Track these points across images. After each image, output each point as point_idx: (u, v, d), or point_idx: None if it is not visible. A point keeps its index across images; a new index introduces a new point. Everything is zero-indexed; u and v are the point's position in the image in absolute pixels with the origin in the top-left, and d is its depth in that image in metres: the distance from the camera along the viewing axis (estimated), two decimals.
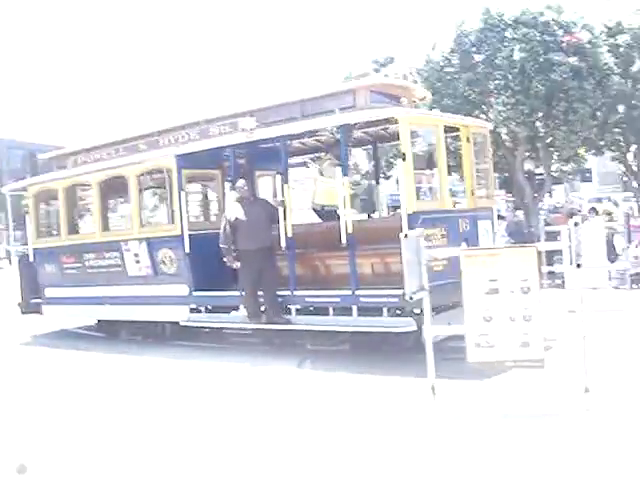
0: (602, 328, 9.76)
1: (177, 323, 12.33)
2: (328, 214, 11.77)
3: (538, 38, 24.41)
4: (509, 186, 27.79)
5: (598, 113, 24.86)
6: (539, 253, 7.28)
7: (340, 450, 6.48)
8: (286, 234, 10.54)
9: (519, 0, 26.33)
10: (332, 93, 10.94)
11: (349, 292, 10.02)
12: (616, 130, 26.78)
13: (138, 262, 12.36)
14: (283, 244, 10.55)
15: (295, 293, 10.58)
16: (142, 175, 12.38)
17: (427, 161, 10.83)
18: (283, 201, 10.63)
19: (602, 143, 27.13)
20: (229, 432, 7.26)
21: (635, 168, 28.98)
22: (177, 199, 11.66)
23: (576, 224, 7.27)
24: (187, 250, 11.61)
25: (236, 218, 10.62)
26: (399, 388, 8.40)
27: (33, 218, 14.29)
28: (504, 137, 23.52)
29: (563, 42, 24.83)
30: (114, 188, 13.10)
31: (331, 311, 10.38)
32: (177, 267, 11.87)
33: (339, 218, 11.96)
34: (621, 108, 26.69)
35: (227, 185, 11.68)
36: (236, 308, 11.82)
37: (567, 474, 5.50)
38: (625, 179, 34.07)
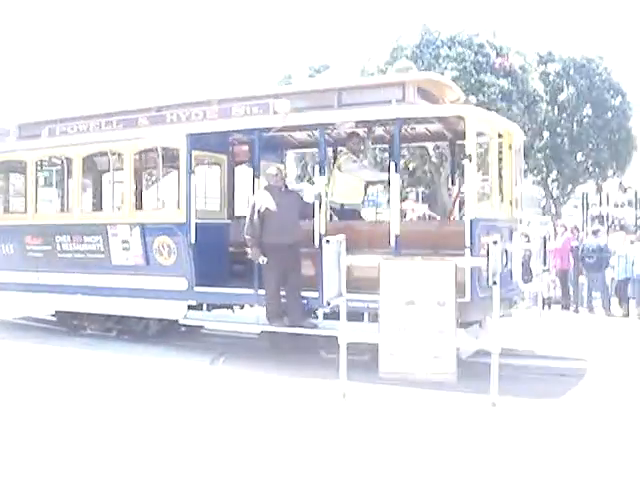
0: (514, 345, 10.24)
1: (163, 320, 11.21)
2: (347, 213, 11.00)
3: (472, 58, 24.76)
4: (433, 201, 27.88)
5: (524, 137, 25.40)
6: (457, 268, 7.45)
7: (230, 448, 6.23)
8: (320, 230, 9.66)
9: (456, 20, 26.64)
10: (377, 84, 10.23)
11: None
12: (539, 155, 27.52)
13: (127, 249, 11.03)
14: (317, 241, 9.66)
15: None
16: (141, 153, 11.09)
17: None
18: (319, 194, 9.75)
19: (525, 167, 27.73)
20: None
21: (554, 194, 29.85)
22: (185, 183, 10.48)
23: (495, 242, 7.19)
24: (192, 240, 10.46)
25: (266, 208, 9.61)
26: (318, 391, 8.16)
27: None
28: (431, 152, 23.47)
29: (495, 64, 25.25)
30: (102, 165, 11.70)
31: (366, 317, 9.60)
32: (176, 258, 10.64)
33: (360, 217, 11.26)
34: (546, 134, 27.49)
35: (249, 171, 10.57)
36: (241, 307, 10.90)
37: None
38: (544, 204, 35.23)
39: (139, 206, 11.32)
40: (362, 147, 10.82)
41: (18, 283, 12.27)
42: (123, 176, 11.12)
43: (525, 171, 28.52)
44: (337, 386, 7.56)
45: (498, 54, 25.50)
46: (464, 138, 9.45)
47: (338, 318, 9.80)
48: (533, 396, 7.92)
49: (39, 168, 12.17)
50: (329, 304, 7.45)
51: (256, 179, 10.16)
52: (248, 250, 9.80)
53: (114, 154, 11.26)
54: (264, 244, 9.63)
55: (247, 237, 9.68)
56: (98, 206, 12.14)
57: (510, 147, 10.29)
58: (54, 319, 12.91)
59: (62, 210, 12.23)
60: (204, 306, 10.76)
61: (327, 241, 7.43)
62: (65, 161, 11.91)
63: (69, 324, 12.44)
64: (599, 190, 33.97)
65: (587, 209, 29.00)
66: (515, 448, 6.19)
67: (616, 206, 35.21)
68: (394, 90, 9.79)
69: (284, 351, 10.45)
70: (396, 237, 9.14)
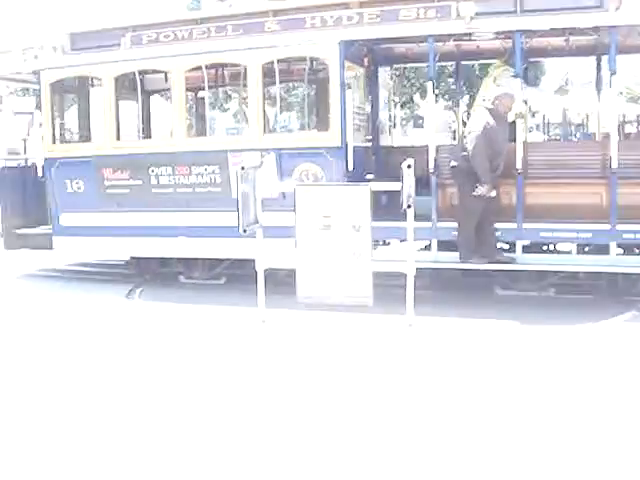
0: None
1: None
2: None
3: None
4: None
5: None
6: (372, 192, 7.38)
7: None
8: (522, 155, 8.50)
9: None
10: None
11: (606, 226, 8.33)
12: (450, 80, 27.02)
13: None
14: (518, 166, 8.49)
15: (524, 226, 8.58)
16: (271, 64, 9.19)
17: None
18: (521, 113, 8.55)
19: (436, 91, 27.04)
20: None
21: (465, 118, 29.60)
22: (338, 99, 8.85)
23: (409, 166, 6.99)
24: (350, 167, 8.92)
25: (495, 136, 8.28)
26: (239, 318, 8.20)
27: (48, 116, 10.13)
28: None
29: None
30: (211, 80, 9.69)
31: (574, 249, 8.69)
32: None
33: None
34: None
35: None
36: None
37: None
38: (454, 128, 34.85)
39: (272, 128, 9.49)
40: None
41: (91, 226, 10.12)
42: (249, 92, 9.26)
43: (437, 96, 28.18)
44: (257, 313, 7.70)
45: None
46: None
47: (538, 251, 9.00)
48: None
49: (120, 86, 9.91)
50: (245, 231, 7.34)
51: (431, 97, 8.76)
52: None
53: (233, 66, 9.36)
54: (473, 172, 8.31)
55: (480, 166, 8.21)
56: (207, 130, 10.08)
57: None
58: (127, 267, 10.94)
59: (157, 137, 10.13)
60: None
61: (242, 168, 7.32)
62: (159, 76, 9.81)
63: (151, 271, 10.57)
64: None
65: None
66: (429, 366, 6.41)
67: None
68: None
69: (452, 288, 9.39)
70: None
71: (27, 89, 20.58)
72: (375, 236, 8.87)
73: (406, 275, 7.40)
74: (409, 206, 7.04)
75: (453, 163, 8.46)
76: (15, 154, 17.23)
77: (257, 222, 7.57)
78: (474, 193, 8.17)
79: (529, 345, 7.11)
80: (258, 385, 5.95)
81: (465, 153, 8.27)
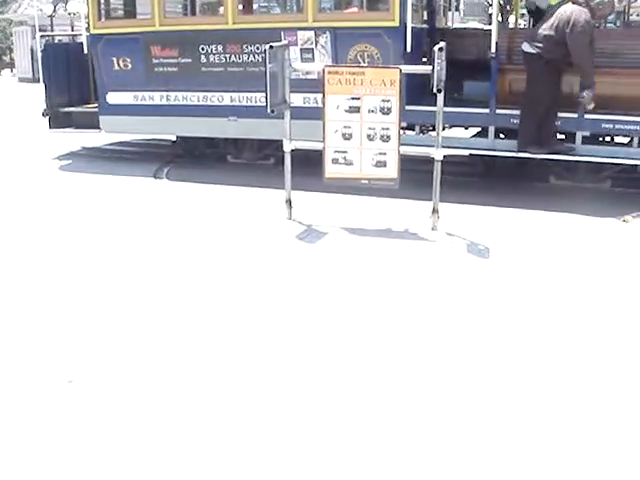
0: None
1: None
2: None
3: None
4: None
5: None
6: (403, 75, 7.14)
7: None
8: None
9: None
10: None
11: None
12: None
13: (309, 61, 9.06)
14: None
15: (586, 117, 8.37)
16: None
17: None
18: None
19: None
20: None
21: (502, 1, 28.62)
22: None
23: (440, 49, 6.69)
24: (408, 48, 8.64)
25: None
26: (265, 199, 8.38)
27: None
28: None
29: None
30: None
31: (636, 141, 8.44)
32: None
33: None
34: None
35: None
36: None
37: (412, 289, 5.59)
38: (490, 12, 33.60)
39: (327, 7, 9.17)
40: None
41: (138, 105, 9.98)
42: None
43: None
44: (283, 194, 7.69)
45: None
46: None
47: (597, 143, 8.82)
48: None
49: None
50: (273, 111, 7.16)
51: None
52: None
53: None
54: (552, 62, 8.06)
55: (588, 67, 7.96)
56: (260, 8, 9.78)
57: None
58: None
59: (208, 13, 9.82)
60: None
61: (271, 47, 7.02)
62: None
63: (190, 151, 10.54)
64: None
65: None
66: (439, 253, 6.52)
67: None
68: None
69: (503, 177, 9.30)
70: None
71: None
72: (414, 120, 8.89)
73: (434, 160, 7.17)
74: (439, 90, 6.83)
75: (528, 49, 8.15)
76: (42, 31, 16.83)
77: (285, 102, 7.42)
78: (581, 101, 7.98)
79: (555, 235, 7.07)
80: (271, 264, 6.18)
81: (539, 43, 8.02)
